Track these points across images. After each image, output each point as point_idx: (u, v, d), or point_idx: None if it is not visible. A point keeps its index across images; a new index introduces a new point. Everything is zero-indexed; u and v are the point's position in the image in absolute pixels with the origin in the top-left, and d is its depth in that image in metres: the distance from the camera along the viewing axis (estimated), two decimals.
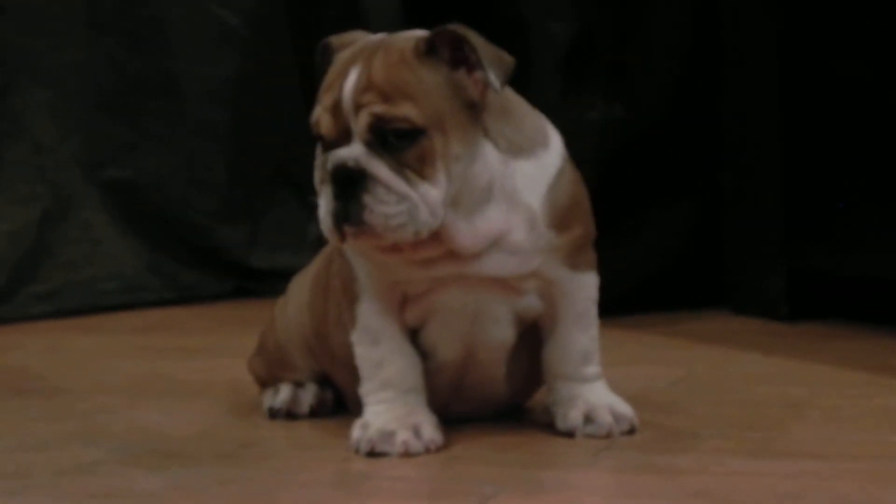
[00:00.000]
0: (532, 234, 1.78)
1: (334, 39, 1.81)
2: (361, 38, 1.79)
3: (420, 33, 1.76)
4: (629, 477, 1.65)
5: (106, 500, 1.62)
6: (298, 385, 2.06)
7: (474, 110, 1.74)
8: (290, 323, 2.07)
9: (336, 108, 1.72)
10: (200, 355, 2.78)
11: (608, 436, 1.82)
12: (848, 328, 2.75)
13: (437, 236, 1.72)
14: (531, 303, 1.83)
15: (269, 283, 3.54)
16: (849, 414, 1.96)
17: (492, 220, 1.76)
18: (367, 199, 1.68)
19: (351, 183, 1.69)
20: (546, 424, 1.88)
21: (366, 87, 1.70)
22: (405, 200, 1.69)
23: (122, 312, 3.47)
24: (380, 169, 1.69)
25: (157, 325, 3.31)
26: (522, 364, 1.89)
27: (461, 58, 1.72)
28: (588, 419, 1.83)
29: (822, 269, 2.90)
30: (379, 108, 1.69)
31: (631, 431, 1.84)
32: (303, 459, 1.81)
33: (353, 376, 1.87)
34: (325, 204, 1.71)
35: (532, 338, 1.87)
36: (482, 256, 1.76)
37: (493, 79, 1.70)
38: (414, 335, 1.84)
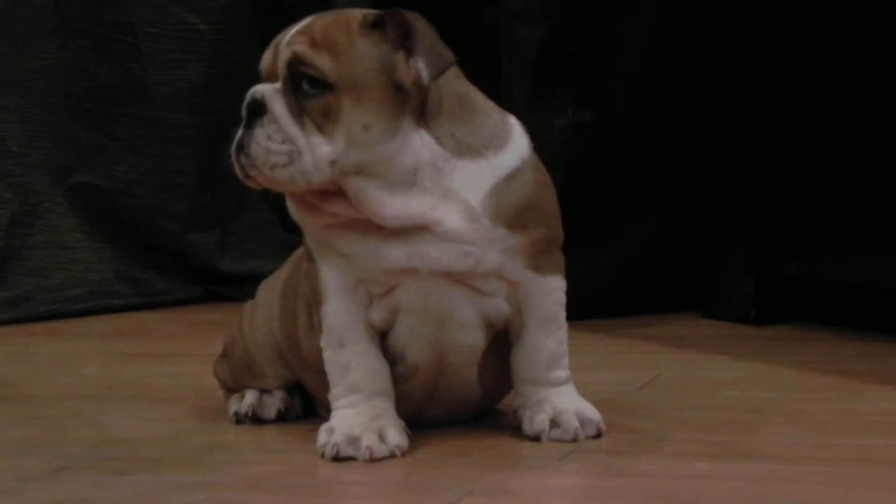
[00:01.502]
0: (472, 225, 1.77)
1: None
2: None
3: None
4: (595, 480, 1.65)
5: None
6: (265, 391, 2.06)
7: (402, 94, 1.75)
8: (258, 330, 2.06)
9: (276, 48, 1.78)
10: (168, 361, 2.77)
11: (574, 440, 1.82)
12: (815, 332, 2.77)
13: (345, 196, 1.74)
14: (499, 306, 1.83)
15: (240, 288, 3.54)
16: (814, 418, 1.97)
17: (414, 202, 1.76)
18: (259, 131, 1.73)
19: (253, 115, 1.74)
20: (512, 428, 1.89)
21: (302, 32, 1.76)
22: (290, 143, 1.72)
23: (90, 318, 3.46)
24: (278, 106, 1.74)
25: (125, 330, 3.30)
26: (494, 368, 1.89)
27: (404, 42, 1.75)
28: (554, 423, 1.83)
29: (791, 274, 2.91)
30: (300, 49, 1.74)
31: (597, 436, 1.84)
32: (269, 464, 1.80)
33: (324, 382, 1.86)
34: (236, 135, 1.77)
35: (502, 341, 1.87)
36: (416, 240, 1.76)
37: (423, 69, 1.73)
38: (382, 339, 1.84)
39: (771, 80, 2.90)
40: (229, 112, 3.72)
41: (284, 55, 1.74)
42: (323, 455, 1.77)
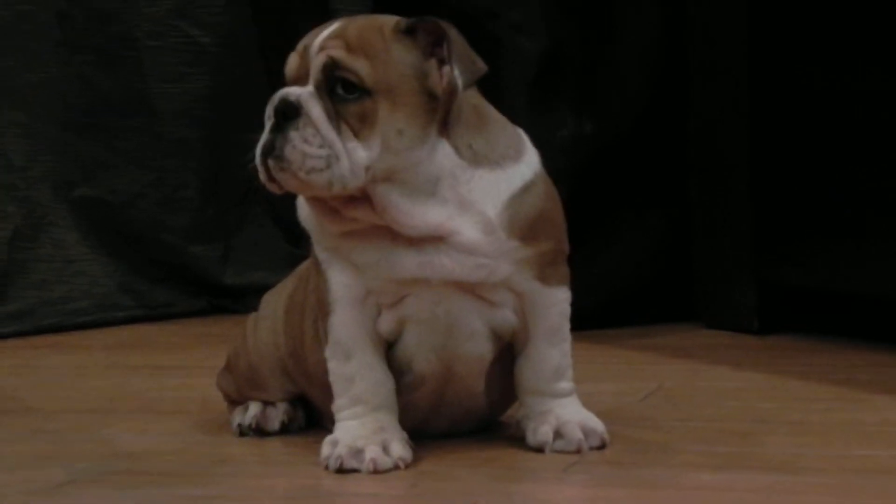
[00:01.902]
0: (489, 237, 1.78)
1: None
2: None
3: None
4: (599, 491, 1.65)
5: None
6: (268, 403, 2.06)
7: (433, 101, 1.76)
8: (262, 343, 2.06)
9: (304, 52, 1.76)
10: (173, 373, 2.78)
11: (578, 451, 1.82)
12: (817, 342, 2.76)
13: (369, 202, 1.74)
14: (506, 317, 1.84)
15: (243, 301, 3.54)
16: (817, 428, 1.97)
17: (434, 211, 1.77)
18: (294, 134, 1.71)
19: (285, 118, 1.72)
20: (516, 439, 1.89)
21: (336, 35, 1.75)
22: (328, 147, 1.71)
23: (94, 331, 3.46)
24: (315, 110, 1.72)
25: (129, 343, 3.30)
26: (500, 378, 1.89)
27: (436, 50, 1.76)
28: (558, 435, 1.84)
29: (793, 283, 2.91)
30: (336, 53, 1.73)
31: (601, 447, 1.84)
32: (273, 476, 1.81)
33: (330, 396, 1.87)
34: (261, 139, 1.74)
35: (508, 352, 1.88)
36: (430, 250, 1.76)
37: (458, 77, 1.73)
38: (389, 350, 1.84)
39: (772, 87, 2.91)
40: (232, 125, 3.78)
41: (319, 59, 1.73)
42: (327, 467, 1.78)
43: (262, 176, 1.75)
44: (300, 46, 1.78)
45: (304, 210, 1.85)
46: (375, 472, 1.75)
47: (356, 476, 1.75)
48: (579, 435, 1.83)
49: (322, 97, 1.73)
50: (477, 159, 1.79)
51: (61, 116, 3.61)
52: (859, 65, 2.70)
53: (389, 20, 1.78)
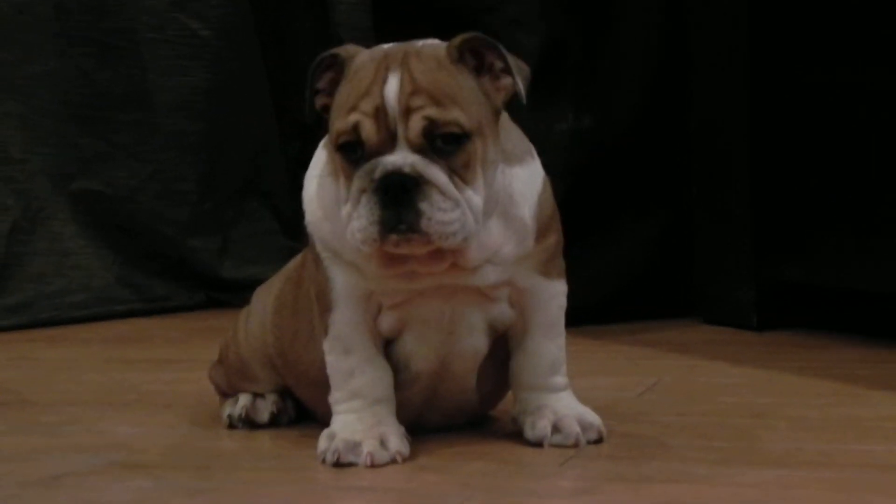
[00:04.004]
0: (519, 247, 1.79)
1: (341, 51, 1.77)
2: (362, 51, 1.77)
3: (439, 42, 1.75)
4: (596, 485, 1.65)
5: None
6: (258, 395, 2.06)
7: (497, 117, 1.75)
8: (253, 336, 2.06)
9: (379, 114, 1.68)
10: (169, 366, 2.77)
11: (575, 445, 1.82)
12: (816, 338, 2.76)
13: (449, 251, 1.71)
14: (504, 311, 1.84)
15: (240, 294, 3.53)
16: (815, 423, 1.97)
17: (493, 233, 1.76)
18: (424, 206, 1.65)
19: (404, 190, 1.65)
20: (512, 434, 1.89)
21: (413, 91, 1.68)
22: (458, 207, 1.67)
23: (92, 324, 3.45)
24: (437, 175, 1.67)
25: (127, 336, 3.30)
26: (491, 373, 1.89)
27: (485, 65, 1.73)
28: (556, 429, 1.84)
29: (792, 280, 2.91)
30: (432, 112, 1.67)
31: (598, 440, 1.84)
32: (269, 470, 1.80)
33: (323, 394, 1.86)
34: (367, 213, 1.66)
35: (499, 346, 1.87)
36: (474, 270, 1.76)
37: (521, 86, 1.72)
38: (387, 346, 1.84)
39: (772, 85, 2.90)
40: (231, 118, 3.78)
41: (417, 123, 1.66)
42: (324, 461, 1.77)
43: (374, 250, 1.68)
44: (368, 108, 1.68)
45: (323, 230, 1.79)
46: (373, 465, 1.75)
47: (353, 469, 1.75)
48: (577, 429, 1.83)
49: (431, 159, 1.67)
50: (510, 159, 1.78)
51: (60, 109, 3.61)
52: (860, 62, 2.70)
53: (439, 52, 1.72)
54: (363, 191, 1.67)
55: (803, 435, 1.88)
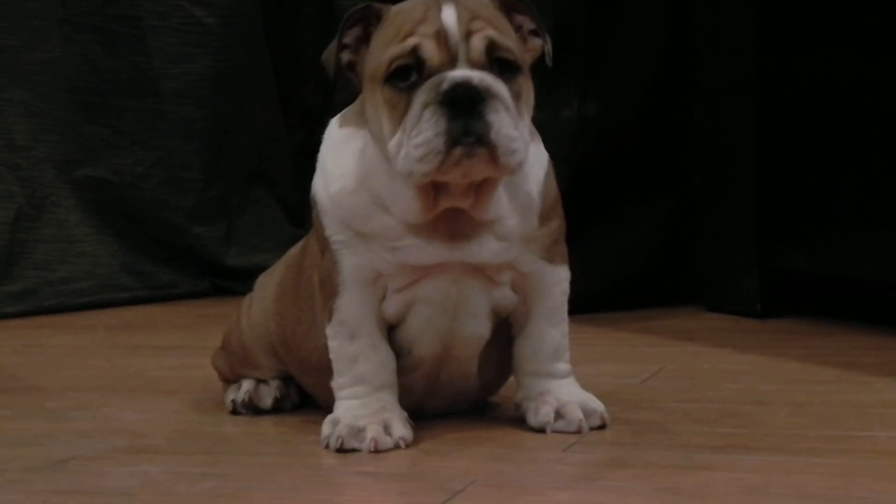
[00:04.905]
0: (523, 223, 1.79)
1: (373, 4, 1.77)
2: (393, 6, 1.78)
3: None
4: (598, 471, 1.65)
5: (76, 497, 1.62)
6: (261, 381, 2.07)
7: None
8: (256, 323, 2.06)
9: (440, 35, 1.68)
10: (174, 353, 2.78)
11: (578, 431, 1.82)
12: (818, 326, 2.77)
13: (477, 189, 1.72)
14: (506, 296, 1.84)
15: (245, 282, 3.52)
16: (818, 409, 1.97)
17: (500, 197, 1.77)
18: (493, 118, 1.64)
19: (472, 102, 1.64)
20: (515, 419, 1.89)
21: (473, 16, 1.69)
22: (518, 125, 1.67)
23: (97, 311, 3.46)
24: (503, 91, 1.66)
25: (132, 323, 3.30)
26: (493, 359, 1.90)
27: (514, 24, 1.75)
28: (559, 415, 1.84)
29: (795, 268, 2.91)
30: (493, 34, 1.68)
31: (601, 427, 1.84)
32: (273, 456, 1.81)
33: (325, 380, 1.87)
34: (432, 126, 1.64)
35: (501, 332, 1.88)
36: (473, 240, 1.76)
37: (549, 47, 1.74)
38: (390, 331, 1.84)
39: (778, 74, 2.90)
40: (236, 106, 3.78)
41: (479, 41, 1.67)
42: (327, 446, 1.78)
43: (434, 167, 1.65)
44: (429, 30, 1.68)
45: (347, 204, 1.78)
46: (376, 451, 1.75)
47: (357, 455, 1.75)
48: (580, 415, 1.83)
49: (497, 78, 1.68)
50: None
51: (65, 96, 3.61)
52: (865, 53, 2.70)
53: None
54: (426, 105, 1.65)
55: (806, 421, 1.88)
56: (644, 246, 3.17)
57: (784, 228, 2.92)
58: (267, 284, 2.08)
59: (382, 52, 1.70)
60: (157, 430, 1.99)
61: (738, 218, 3.00)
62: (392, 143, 1.68)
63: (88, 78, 3.64)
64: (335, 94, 3.73)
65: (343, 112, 1.86)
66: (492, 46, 1.68)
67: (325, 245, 1.82)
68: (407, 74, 1.68)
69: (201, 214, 3.75)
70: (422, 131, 1.64)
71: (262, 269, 2.19)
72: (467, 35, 1.68)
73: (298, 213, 3.79)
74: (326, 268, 1.82)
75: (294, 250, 2.04)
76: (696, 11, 3.10)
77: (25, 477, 1.72)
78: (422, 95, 1.66)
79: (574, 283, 1.89)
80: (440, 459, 1.73)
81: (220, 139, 3.78)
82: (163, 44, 3.68)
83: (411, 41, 1.68)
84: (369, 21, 1.75)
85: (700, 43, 3.09)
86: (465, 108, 1.63)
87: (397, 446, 1.77)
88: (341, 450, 1.76)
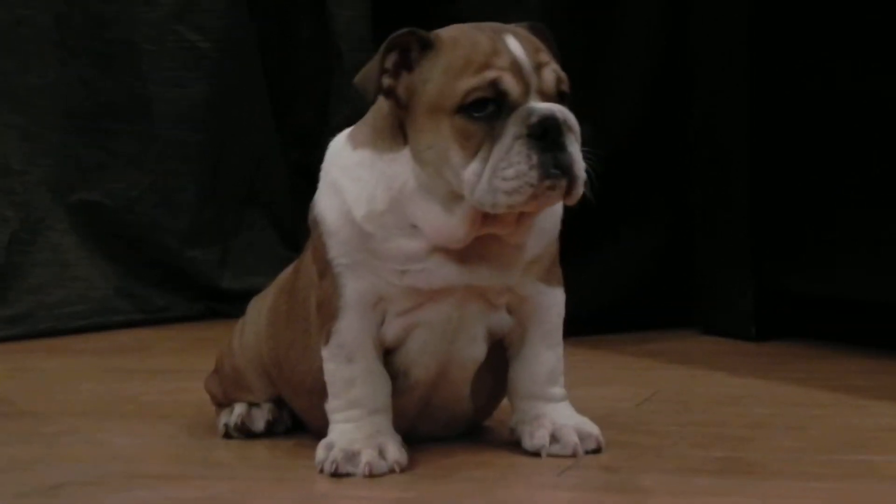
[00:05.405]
0: (533, 241, 1.81)
1: (416, 30, 1.76)
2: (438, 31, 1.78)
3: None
4: (593, 495, 1.65)
5: None
6: (253, 405, 2.06)
7: None
8: (248, 346, 2.06)
9: (514, 67, 1.71)
10: (168, 377, 2.77)
11: (573, 455, 1.82)
12: (814, 348, 2.76)
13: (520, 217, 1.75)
14: (503, 318, 1.84)
15: (240, 305, 3.51)
16: (814, 433, 1.96)
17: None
18: (573, 149, 1.70)
19: (559, 134, 1.69)
20: (510, 443, 1.88)
21: (535, 48, 1.74)
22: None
23: (91, 334, 3.45)
24: (575, 122, 1.72)
25: (126, 346, 3.30)
26: (486, 382, 1.89)
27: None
28: (554, 439, 1.83)
29: (791, 290, 2.91)
30: (557, 67, 1.74)
31: (597, 450, 1.84)
32: (267, 481, 1.80)
33: (318, 403, 1.86)
34: (524, 159, 1.67)
35: (493, 355, 1.87)
36: (483, 263, 1.77)
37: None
38: (387, 354, 1.84)
39: (772, 94, 2.91)
40: (230, 129, 3.78)
41: (550, 75, 1.73)
42: (322, 470, 1.77)
43: (527, 197, 1.68)
44: (504, 63, 1.71)
45: (371, 225, 1.77)
46: (371, 475, 1.75)
47: (351, 479, 1.74)
48: (575, 439, 1.83)
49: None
50: None
51: (60, 120, 3.61)
52: (860, 69, 2.70)
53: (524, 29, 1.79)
54: (518, 137, 1.68)
55: (802, 445, 1.88)
56: (639, 269, 3.17)
57: (779, 251, 2.92)
58: (259, 308, 2.08)
59: (451, 81, 1.71)
60: (151, 455, 1.98)
61: (733, 240, 3.00)
62: (468, 173, 1.70)
63: (83, 101, 3.64)
64: (330, 116, 3.74)
65: (349, 133, 1.84)
66: (558, 81, 1.74)
67: (326, 268, 1.81)
68: (483, 106, 1.70)
69: (196, 237, 3.74)
70: (513, 164, 1.68)
71: (256, 291, 2.19)
72: (538, 67, 1.72)
73: (293, 236, 3.79)
74: (326, 291, 1.82)
75: (285, 274, 2.04)
76: (691, 34, 3.10)
77: (19, 502, 1.71)
78: (512, 128, 1.69)
79: (569, 305, 1.89)
80: (435, 483, 1.72)
81: (214, 162, 3.78)
82: (157, 67, 3.68)
83: (490, 74, 1.70)
84: (410, 47, 1.75)
85: (695, 64, 3.10)
86: (553, 140, 1.68)
87: (392, 470, 1.77)
88: (336, 474, 1.76)
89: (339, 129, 1.88)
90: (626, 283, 3.15)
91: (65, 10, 3.60)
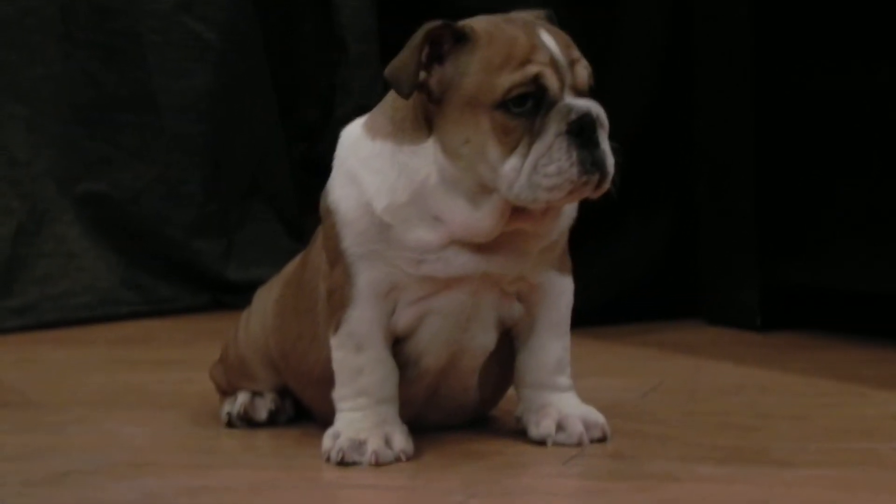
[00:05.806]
0: (554, 234, 1.82)
1: (450, 22, 1.76)
2: (472, 22, 1.78)
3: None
4: (599, 484, 1.65)
5: None
6: (256, 393, 2.07)
7: None
8: (253, 336, 2.06)
9: (554, 63, 1.73)
10: (174, 367, 2.78)
11: (579, 444, 1.82)
12: (819, 338, 2.77)
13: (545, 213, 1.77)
14: (514, 307, 1.85)
15: (245, 296, 3.52)
16: (819, 422, 1.97)
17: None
18: (605, 146, 1.73)
19: (594, 131, 1.71)
20: (515, 432, 1.89)
21: (566, 43, 1.76)
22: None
23: (97, 325, 3.46)
24: (606, 120, 1.74)
25: (131, 337, 3.30)
26: (492, 372, 1.90)
27: None
28: (560, 427, 1.84)
29: (795, 281, 2.91)
30: (587, 63, 1.76)
31: (602, 439, 1.85)
32: (274, 469, 1.81)
33: (326, 393, 1.86)
34: (565, 155, 1.70)
35: (500, 345, 1.88)
36: (499, 252, 1.78)
37: None
38: (397, 342, 1.84)
39: (777, 87, 2.91)
40: (236, 121, 3.78)
41: (583, 71, 1.75)
42: (328, 459, 1.78)
43: (567, 192, 1.71)
44: (544, 58, 1.72)
45: (393, 216, 1.77)
46: (377, 464, 1.75)
47: (357, 468, 1.75)
48: (580, 428, 1.83)
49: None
50: None
51: (65, 111, 3.61)
52: (864, 65, 2.70)
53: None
54: (559, 134, 1.70)
55: (807, 434, 1.88)
56: (644, 259, 3.17)
57: (784, 241, 2.92)
58: (264, 299, 2.08)
59: (491, 76, 1.71)
60: (156, 444, 1.99)
61: (739, 231, 3.00)
62: (507, 168, 1.70)
63: (88, 93, 3.64)
64: (335, 108, 3.74)
65: (365, 123, 1.83)
66: (590, 77, 1.76)
67: (338, 257, 1.81)
68: (524, 101, 1.71)
69: (201, 229, 3.75)
70: (554, 160, 1.69)
71: (261, 282, 2.19)
72: (571, 63, 1.74)
73: (298, 227, 3.79)
74: (337, 280, 1.81)
75: (291, 266, 2.04)
76: (696, 28, 3.10)
77: (25, 491, 1.71)
78: (553, 125, 1.70)
79: (575, 296, 1.89)
80: (441, 472, 1.72)
81: (219, 154, 3.78)
82: (162, 59, 3.69)
83: (532, 69, 1.71)
84: (443, 39, 1.75)
85: (700, 58, 3.09)
86: (589, 137, 1.71)
87: (398, 459, 1.77)
88: (342, 463, 1.76)
89: (345, 121, 1.88)
90: (631, 274, 3.15)
91: (70, 2, 3.60)
